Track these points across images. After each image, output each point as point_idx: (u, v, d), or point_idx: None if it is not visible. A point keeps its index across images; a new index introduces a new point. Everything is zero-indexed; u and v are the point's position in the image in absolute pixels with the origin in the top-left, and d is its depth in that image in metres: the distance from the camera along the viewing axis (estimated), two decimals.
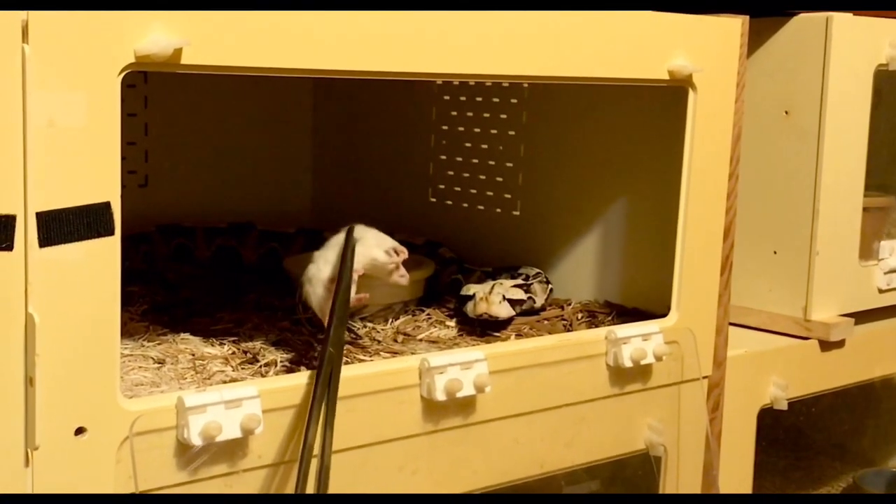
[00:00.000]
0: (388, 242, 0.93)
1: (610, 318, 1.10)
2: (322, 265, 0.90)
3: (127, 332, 0.98)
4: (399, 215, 1.36)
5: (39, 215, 0.68)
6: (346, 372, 0.85)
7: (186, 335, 1.00)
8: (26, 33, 0.66)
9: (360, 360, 0.94)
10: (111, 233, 0.71)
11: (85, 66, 0.68)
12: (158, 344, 0.97)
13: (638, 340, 0.97)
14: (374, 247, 0.92)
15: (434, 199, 1.33)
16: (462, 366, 0.86)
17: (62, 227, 0.69)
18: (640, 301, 1.12)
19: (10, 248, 0.67)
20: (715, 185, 1.03)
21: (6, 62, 0.65)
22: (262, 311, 1.09)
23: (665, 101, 1.04)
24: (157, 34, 0.70)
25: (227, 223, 1.34)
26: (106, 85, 0.69)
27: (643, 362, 0.97)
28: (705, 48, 0.99)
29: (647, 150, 1.10)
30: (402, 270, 0.95)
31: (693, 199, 1.01)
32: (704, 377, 1.05)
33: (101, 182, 0.70)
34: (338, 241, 0.91)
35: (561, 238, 1.18)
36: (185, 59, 0.71)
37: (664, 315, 1.03)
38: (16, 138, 0.66)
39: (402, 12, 0.81)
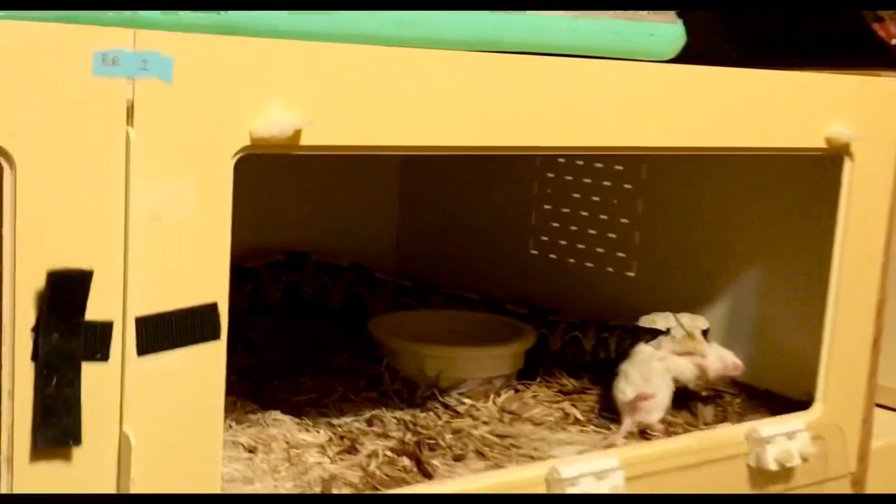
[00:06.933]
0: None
1: (739, 399, 0.99)
2: (624, 385, 0.92)
3: None
4: (494, 267, 1.26)
5: (139, 320, 0.59)
6: (456, 486, 0.76)
7: (277, 414, 0.91)
8: (131, 115, 0.57)
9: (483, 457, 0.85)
10: (217, 337, 0.62)
11: (195, 150, 0.59)
12: (248, 426, 0.88)
13: (783, 440, 0.86)
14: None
15: (535, 252, 1.23)
16: (596, 476, 0.76)
17: (163, 332, 0.60)
18: (772, 382, 1.01)
19: (105, 358, 0.59)
20: (869, 259, 0.92)
21: (109, 148, 0.57)
22: (346, 375, 1.01)
23: (811, 165, 0.94)
24: (275, 113, 0.61)
25: (283, 253, 1.28)
26: (218, 171, 0.60)
27: (788, 465, 0.87)
28: (864, 112, 0.88)
29: (788, 216, 0.99)
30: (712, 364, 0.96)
31: (846, 275, 0.90)
32: (850, 473, 0.95)
33: (209, 281, 0.61)
34: (641, 356, 0.94)
35: (682, 306, 1.07)
36: (305, 140, 0.62)
37: (799, 400, 0.93)
38: (116, 235, 0.58)
39: (527, 89, 0.72)
